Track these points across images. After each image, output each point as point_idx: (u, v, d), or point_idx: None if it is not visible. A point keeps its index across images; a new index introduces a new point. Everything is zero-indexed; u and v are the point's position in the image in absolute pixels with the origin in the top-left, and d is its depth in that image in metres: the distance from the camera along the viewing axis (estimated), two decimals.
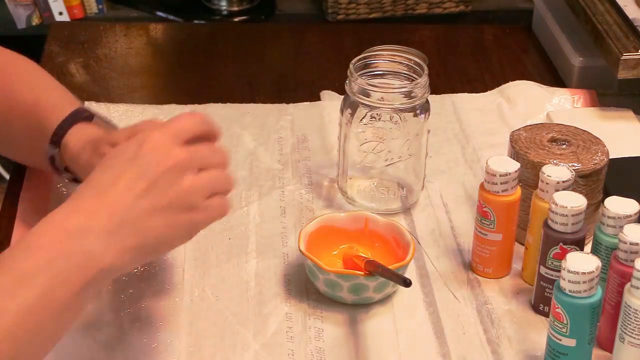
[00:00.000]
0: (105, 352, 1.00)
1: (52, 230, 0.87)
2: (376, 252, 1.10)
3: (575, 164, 1.12)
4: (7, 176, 2.39)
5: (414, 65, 1.18)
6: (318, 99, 1.43)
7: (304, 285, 1.09)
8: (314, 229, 1.09)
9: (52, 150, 1.10)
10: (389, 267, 1.03)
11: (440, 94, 1.44)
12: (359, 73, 1.16)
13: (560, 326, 0.95)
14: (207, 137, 0.94)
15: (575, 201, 1.02)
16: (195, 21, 2.43)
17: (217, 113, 1.37)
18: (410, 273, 1.09)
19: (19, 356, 0.84)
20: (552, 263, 1.03)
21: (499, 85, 1.46)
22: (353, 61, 1.17)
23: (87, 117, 1.12)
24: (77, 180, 1.11)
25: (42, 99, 1.13)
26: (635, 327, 0.94)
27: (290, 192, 1.23)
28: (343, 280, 1.04)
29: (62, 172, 1.12)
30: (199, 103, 1.40)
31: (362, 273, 1.03)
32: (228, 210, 0.94)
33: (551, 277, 1.04)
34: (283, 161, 1.29)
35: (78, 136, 1.09)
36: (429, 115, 1.19)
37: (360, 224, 1.11)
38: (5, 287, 0.84)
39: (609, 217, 1.01)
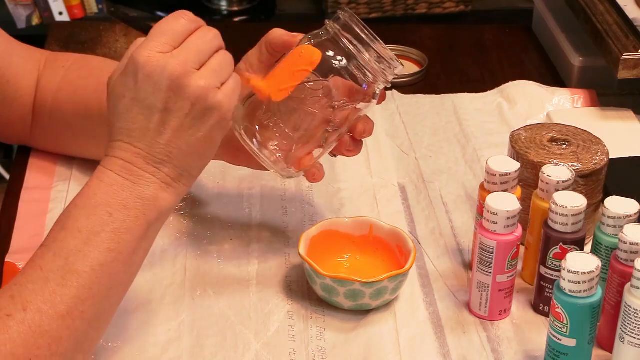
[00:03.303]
0: (106, 352, 1.00)
1: (103, 186, 0.91)
2: (378, 259, 1.10)
3: (575, 164, 1.12)
4: (7, 176, 2.39)
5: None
6: None
7: (305, 285, 1.09)
8: (317, 232, 1.09)
9: None
10: (389, 273, 1.04)
11: (440, 94, 1.44)
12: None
13: (560, 326, 0.95)
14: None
15: (575, 201, 1.02)
16: None
17: None
18: (410, 273, 1.09)
19: (102, 312, 0.90)
20: (552, 263, 1.04)
21: (499, 85, 1.46)
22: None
23: None
24: None
25: None
26: (635, 327, 0.94)
27: (292, 192, 1.23)
28: (339, 286, 1.04)
29: None
30: None
31: (358, 279, 1.03)
32: (239, 85, 0.95)
33: (551, 277, 1.04)
34: None
35: None
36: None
37: (364, 230, 1.11)
38: (76, 248, 0.88)
39: (609, 217, 1.01)
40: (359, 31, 1.02)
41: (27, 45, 1.21)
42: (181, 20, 0.93)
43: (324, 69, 1.02)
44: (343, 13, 1.03)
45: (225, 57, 0.94)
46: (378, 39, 1.03)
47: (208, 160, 0.96)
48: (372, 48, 1.02)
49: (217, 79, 0.92)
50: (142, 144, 0.91)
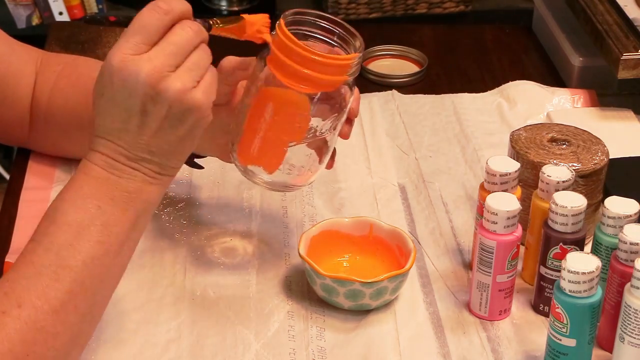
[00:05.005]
0: (105, 351, 1.00)
1: (89, 180, 0.91)
2: (378, 259, 1.10)
3: (575, 164, 1.12)
4: (7, 176, 2.39)
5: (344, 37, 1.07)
6: None
7: (305, 285, 1.09)
8: (317, 232, 1.09)
9: None
10: (389, 273, 1.03)
11: (440, 94, 1.44)
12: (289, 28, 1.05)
13: (560, 326, 0.95)
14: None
15: (575, 201, 1.02)
16: None
17: None
18: (410, 273, 1.09)
19: (94, 305, 0.91)
20: (552, 263, 1.04)
21: (499, 85, 1.46)
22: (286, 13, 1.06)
23: None
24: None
25: None
26: (635, 327, 0.94)
27: (292, 192, 1.23)
28: (339, 286, 1.04)
29: None
30: None
31: (358, 279, 1.03)
32: (217, 79, 0.93)
33: (551, 277, 1.04)
34: None
35: None
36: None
37: (364, 230, 1.11)
38: (66, 242, 0.88)
39: (609, 217, 1.01)
40: (296, 48, 1.00)
41: (25, 45, 1.21)
42: (156, 14, 0.90)
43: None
44: (278, 23, 1.01)
45: (202, 53, 0.92)
46: (327, 25, 1.02)
47: (189, 153, 0.95)
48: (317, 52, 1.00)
49: (193, 78, 0.90)
50: (122, 142, 0.91)
